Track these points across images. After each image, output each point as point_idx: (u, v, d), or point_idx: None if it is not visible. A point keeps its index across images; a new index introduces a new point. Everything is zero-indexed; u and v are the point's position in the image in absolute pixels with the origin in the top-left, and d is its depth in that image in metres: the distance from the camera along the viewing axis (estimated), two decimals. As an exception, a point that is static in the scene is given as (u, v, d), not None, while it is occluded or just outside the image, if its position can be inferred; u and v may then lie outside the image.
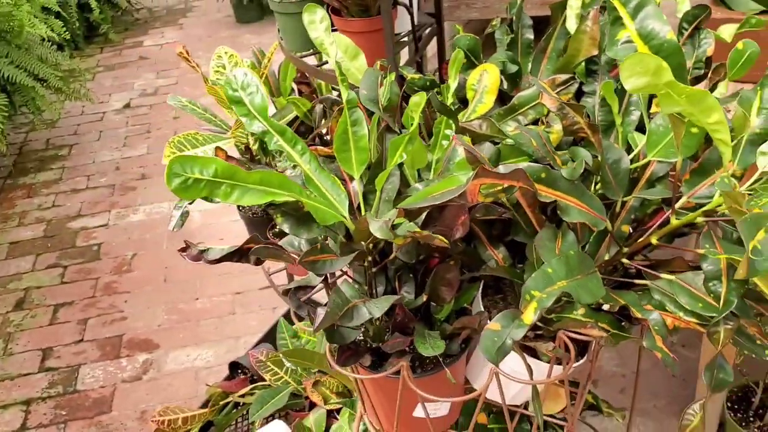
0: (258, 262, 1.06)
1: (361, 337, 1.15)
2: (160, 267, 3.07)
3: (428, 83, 1.23)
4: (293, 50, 1.60)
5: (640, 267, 1.02)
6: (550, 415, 1.37)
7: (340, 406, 1.90)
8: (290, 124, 1.69)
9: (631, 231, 1.06)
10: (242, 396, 2.10)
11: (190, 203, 1.71)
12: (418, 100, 0.91)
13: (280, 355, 1.79)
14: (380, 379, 1.11)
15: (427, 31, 1.62)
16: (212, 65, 1.83)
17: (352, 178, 1.08)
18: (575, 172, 0.88)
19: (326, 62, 1.63)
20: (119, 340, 2.70)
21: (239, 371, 2.25)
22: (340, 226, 1.06)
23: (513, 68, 1.25)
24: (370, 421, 1.25)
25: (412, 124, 0.96)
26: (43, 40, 3.84)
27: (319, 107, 1.71)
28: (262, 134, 1.08)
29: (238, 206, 1.90)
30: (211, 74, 1.82)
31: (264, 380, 2.17)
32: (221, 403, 2.14)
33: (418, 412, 1.16)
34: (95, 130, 4.25)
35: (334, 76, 1.52)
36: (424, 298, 1.10)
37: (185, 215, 1.71)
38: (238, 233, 3.24)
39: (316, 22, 1.05)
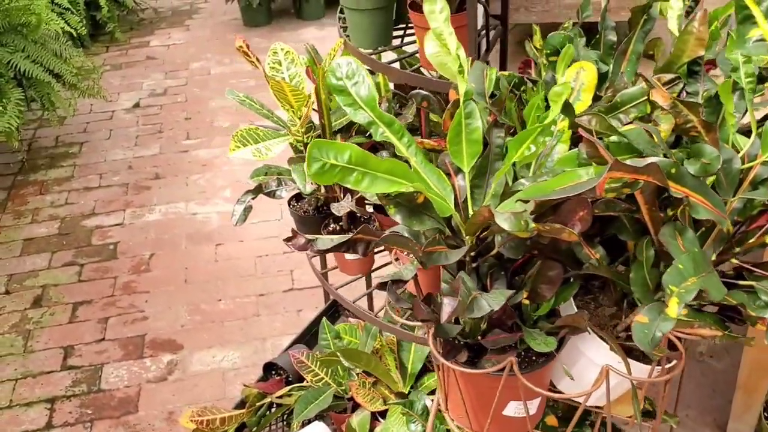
0: (365, 253, 1.04)
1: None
2: (180, 267, 3.03)
3: (516, 80, 1.23)
4: (363, 47, 1.59)
5: (749, 267, 1.02)
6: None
7: (385, 408, 1.88)
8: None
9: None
10: (280, 397, 2.07)
11: (253, 198, 1.69)
12: (561, 90, 0.90)
13: (339, 354, 1.77)
14: (477, 376, 1.10)
15: (492, 32, 1.62)
16: (268, 62, 1.82)
17: (458, 171, 1.07)
18: (710, 168, 0.88)
19: (398, 60, 1.62)
20: (141, 339, 2.66)
21: (273, 372, 2.22)
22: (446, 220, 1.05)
23: (604, 68, 1.25)
24: (453, 418, 1.23)
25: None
26: (58, 35, 3.80)
27: (385, 105, 1.70)
28: (368, 125, 1.07)
29: (289, 203, 1.87)
30: (267, 71, 1.80)
31: (301, 381, 2.15)
32: (257, 404, 2.11)
33: (509, 410, 1.15)
34: (105, 129, 4.20)
35: (406, 74, 1.51)
36: (525, 295, 1.09)
37: (248, 210, 1.69)
38: (258, 234, 3.22)
39: (436, 12, 1.04)
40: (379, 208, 1.78)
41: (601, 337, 1.12)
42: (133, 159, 3.86)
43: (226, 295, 2.87)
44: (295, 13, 5.81)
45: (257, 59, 1.71)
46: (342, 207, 1.61)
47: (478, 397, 1.15)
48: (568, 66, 1.09)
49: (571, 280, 1.16)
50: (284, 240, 1.07)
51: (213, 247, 3.15)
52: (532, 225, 0.89)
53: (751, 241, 1.01)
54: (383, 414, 1.90)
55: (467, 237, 1.04)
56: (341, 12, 1.80)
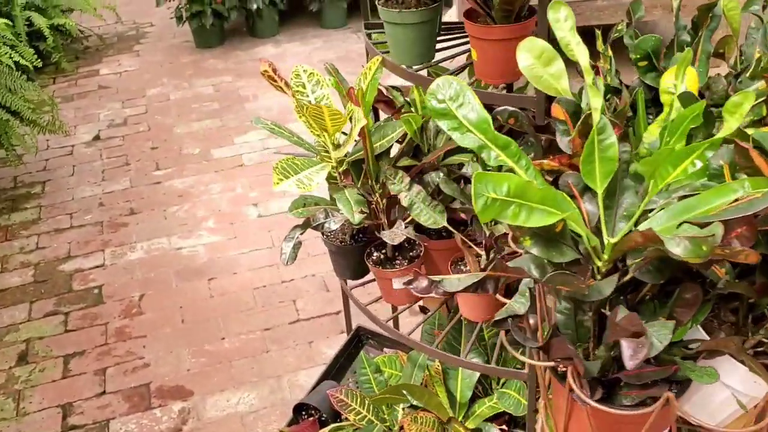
0: (495, 291, 0.94)
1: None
2: (174, 307, 2.85)
3: (611, 88, 1.15)
4: (405, 63, 1.48)
5: None
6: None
7: (439, 442, 1.77)
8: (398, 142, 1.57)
9: None
10: (320, 440, 1.94)
11: (302, 233, 1.57)
12: (740, 100, 0.82)
13: (405, 391, 1.66)
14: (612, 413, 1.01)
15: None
16: (291, 84, 1.69)
17: (584, 192, 0.97)
18: None
19: (455, 71, 1.52)
20: (146, 389, 2.48)
21: (303, 413, 2.09)
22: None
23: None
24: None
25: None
26: (11, 69, 3.56)
27: (432, 124, 1.59)
28: (479, 149, 0.97)
29: (322, 233, 1.75)
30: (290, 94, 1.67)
31: (336, 420, 2.02)
32: (295, 449, 1.97)
33: (645, 446, 1.06)
34: (67, 165, 3.97)
35: (479, 91, 1.41)
36: (661, 319, 1.00)
37: (298, 246, 1.57)
38: (251, 265, 3.07)
39: (561, 20, 0.95)
40: (419, 229, 1.66)
41: (733, 356, 1.04)
42: (103, 195, 3.65)
43: (230, 332, 2.71)
44: (249, 32, 5.65)
45: (286, 83, 1.58)
46: (395, 235, 1.50)
47: (609, 434, 1.06)
48: (643, 74, 1.01)
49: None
50: (404, 283, 0.96)
51: (206, 282, 2.99)
52: (704, 249, 0.80)
53: None
54: (436, 448, 1.79)
55: (602, 265, 0.94)
56: (368, 28, 1.69)
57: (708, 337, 1.07)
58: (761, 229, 0.93)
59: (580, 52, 0.95)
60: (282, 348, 2.63)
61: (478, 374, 1.85)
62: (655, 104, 1.23)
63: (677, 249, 0.80)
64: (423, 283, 0.96)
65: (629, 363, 0.79)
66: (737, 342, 0.95)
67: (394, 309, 2.29)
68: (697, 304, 0.99)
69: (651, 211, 0.91)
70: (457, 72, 1.59)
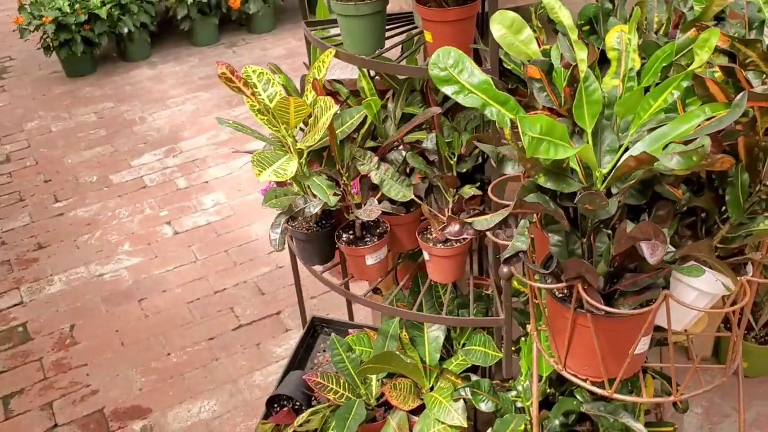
0: (516, 225, 1.08)
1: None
2: (110, 332, 2.81)
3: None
4: (361, 53, 1.60)
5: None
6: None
7: (417, 404, 1.91)
8: (359, 128, 1.68)
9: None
10: (301, 425, 2.01)
11: (285, 220, 1.65)
12: (707, 36, 1.01)
13: (393, 358, 1.76)
14: (614, 321, 1.18)
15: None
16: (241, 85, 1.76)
17: (573, 134, 1.14)
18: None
19: (406, 56, 1.66)
20: (101, 414, 2.44)
21: (275, 406, 2.15)
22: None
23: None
24: (574, 373, 1.30)
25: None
26: None
27: (390, 105, 1.72)
28: (482, 106, 1.12)
29: (288, 223, 1.83)
30: (246, 97, 1.74)
31: (311, 405, 2.11)
32: (278, 439, 2.04)
33: (639, 347, 1.24)
34: (-47, 208, 3.76)
35: (416, 69, 1.55)
36: (643, 236, 1.18)
37: (285, 232, 1.64)
38: (179, 282, 3.07)
39: None
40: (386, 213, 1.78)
41: (701, 260, 1.25)
42: (3, 234, 3.49)
43: (174, 347, 2.71)
44: (120, 56, 5.54)
45: (245, 83, 1.66)
46: (371, 211, 1.62)
47: (609, 343, 1.23)
48: (586, 37, 1.21)
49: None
50: (440, 229, 1.09)
51: (136, 303, 2.95)
52: (685, 161, 0.98)
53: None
54: (415, 412, 1.92)
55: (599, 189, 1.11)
56: (309, 26, 1.80)
57: (674, 249, 1.27)
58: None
59: (564, 14, 1.12)
60: (230, 354, 2.66)
61: (443, 338, 1.99)
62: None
63: (671, 163, 0.98)
64: (456, 227, 1.09)
65: (651, 259, 0.96)
66: (708, 244, 1.15)
67: (349, 304, 2.40)
68: (670, 218, 1.18)
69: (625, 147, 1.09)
70: (401, 59, 1.73)
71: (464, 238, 1.68)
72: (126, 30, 5.19)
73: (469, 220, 1.09)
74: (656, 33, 1.50)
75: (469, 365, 1.93)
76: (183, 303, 2.94)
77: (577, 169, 1.12)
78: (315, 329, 2.39)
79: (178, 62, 5.44)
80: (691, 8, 1.37)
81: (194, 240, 3.35)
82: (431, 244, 1.69)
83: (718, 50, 1.23)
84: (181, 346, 2.71)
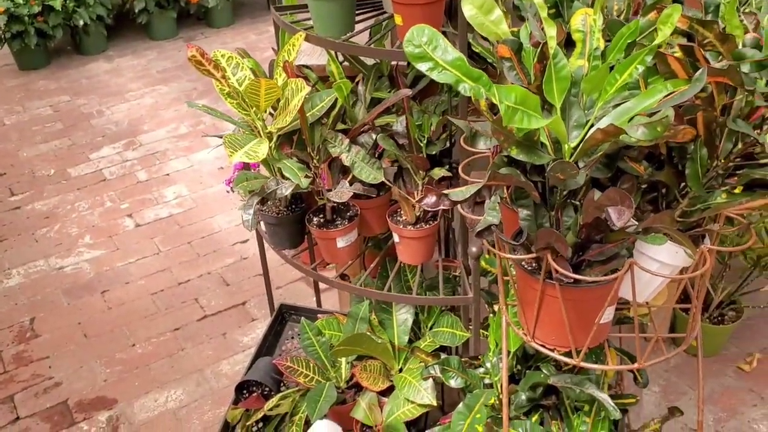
0: (490, 197, 1.12)
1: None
2: (72, 324, 2.77)
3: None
4: (332, 36, 1.62)
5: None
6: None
7: (387, 385, 1.94)
8: (329, 111, 1.70)
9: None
10: (271, 409, 2.02)
11: (258, 201, 1.66)
12: (670, 12, 1.05)
13: (364, 340, 1.78)
14: (581, 290, 1.23)
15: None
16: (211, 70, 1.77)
17: (543, 111, 1.18)
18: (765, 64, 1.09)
19: (375, 40, 1.68)
20: (65, 406, 2.41)
21: (245, 392, 2.16)
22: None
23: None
24: (543, 343, 1.35)
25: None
26: None
27: (360, 88, 1.75)
28: (456, 83, 1.15)
29: (261, 204, 1.84)
30: (216, 80, 1.75)
31: (280, 390, 2.12)
32: (248, 423, 2.05)
33: (605, 317, 1.29)
34: None
35: (387, 52, 1.58)
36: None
37: (257, 213, 1.65)
38: (142, 273, 3.04)
39: None
40: (356, 196, 1.81)
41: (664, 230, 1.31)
42: (-44, 228, 3.42)
43: (138, 338, 2.69)
44: (75, 49, 5.45)
45: (215, 66, 1.66)
46: (342, 193, 1.65)
47: (577, 312, 1.28)
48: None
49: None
50: (417, 201, 1.12)
51: (99, 296, 2.92)
52: (650, 131, 1.04)
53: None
54: (385, 393, 1.95)
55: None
56: (279, 10, 1.81)
57: (637, 222, 1.32)
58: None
59: (534, -7, 1.17)
60: (196, 344, 2.65)
61: (411, 321, 2.03)
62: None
63: (637, 134, 1.03)
64: (432, 198, 1.13)
65: (618, 223, 1.01)
66: (670, 215, 1.20)
67: (316, 287, 2.42)
68: (634, 191, 1.23)
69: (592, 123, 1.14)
70: (370, 43, 1.75)
71: (434, 220, 1.72)
72: (81, 22, 5.11)
73: (446, 191, 1.13)
74: (617, 19, 1.56)
75: (438, 346, 1.97)
76: (147, 295, 2.92)
77: (547, 143, 1.16)
78: (283, 317, 2.40)
79: (136, 56, 5.38)
80: (651, -7, 1.42)
81: (156, 232, 3.32)
82: (401, 226, 1.73)
83: (677, 31, 1.28)
84: (145, 337, 2.69)
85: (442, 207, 1.13)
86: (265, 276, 2.27)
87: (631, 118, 1.09)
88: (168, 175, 3.80)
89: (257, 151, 1.62)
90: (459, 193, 1.12)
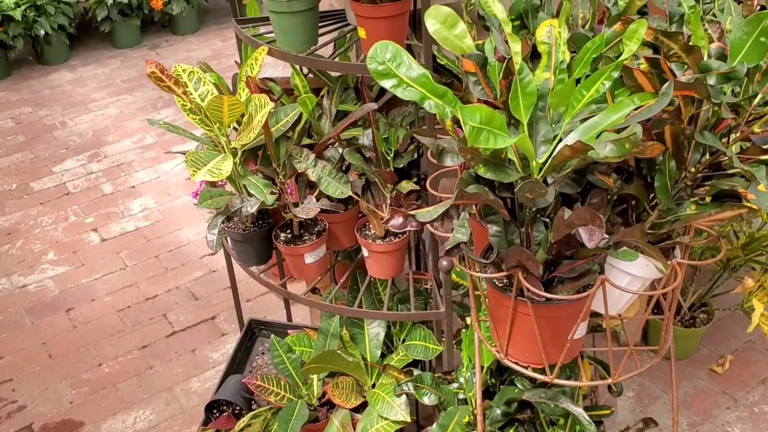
0: (458, 217, 1.09)
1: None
2: (36, 344, 2.70)
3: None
4: (295, 50, 1.59)
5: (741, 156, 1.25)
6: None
7: (360, 401, 1.91)
8: (294, 125, 1.67)
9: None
10: (242, 429, 1.98)
11: (222, 220, 1.62)
12: (636, 27, 1.04)
13: (338, 356, 1.75)
14: (554, 307, 1.21)
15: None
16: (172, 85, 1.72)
17: (510, 127, 1.16)
18: (733, 75, 1.08)
19: (339, 53, 1.65)
20: (29, 431, 2.34)
21: (215, 411, 2.11)
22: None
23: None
24: (516, 361, 1.33)
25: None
26: None
27: (326, 102, 1.72)
28: (420, 100, 1.13)
29: (228, 220, 1.80)
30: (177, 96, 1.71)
31: (251, 409, 2.08)
32: (219, 444, 2.00)
33: (578, 333, 1.27)
34: None
35: (351, 66, 1.55)
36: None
37: (222, 233, 1.61)
38: (108, 290, 2.98)
39: None
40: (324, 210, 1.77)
41: (634, 245, 1.29)
42: None
43: (105, 357, 2.62)
44: (37, 60, 5.34)
45: (176, 82, 1.62)
46: (309, 209, 1.61)
47: (550, 329, 1.26)
48: (516, 32, 1.24)
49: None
50: (383, 222, 1.09)
51: (64, 314, 2.85)
52: (617, 149, 1.02)
53: (742, 133, 1.24)
54: (358, 410, 1.92)
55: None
56: (240, 23, 1.77)
57: (608, 236, 1.31)
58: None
59: (497, 8, 1.14)
60: (165, 362, 2.59)
61: (383, 335, 2.00)
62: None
63: (605, 151, 1.02)
64: (399, 220, 1.10)
65: (590, 243, 0.99)
66: (641, 229, 1.19)
67: (286, 300, 2.38)
68: (604, 206, 1.22)
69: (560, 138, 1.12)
70: (334, 56, 1.72)
71: (403, 233, 1.69)
72: (43, 32, 5.00)
73: (412, 212, 1.10)
74: (582, 28, 1.55)
75: (411, 360, 1.94)
76: (113, 312, 2.85)
77: (515, 159, 1.14)
78: (253, 332, 2.36)
79: (100, 65, 5.29)
80: (615, 3, 1.41)
81: (123, 246, 3.26)
82: (370, 240, 1.70)
83: (642, 43, 1.27)
84: (112, 355, 2.63)
85: (409, 228, 1.10)
86: (233, 291, 2.23)
87: (599, 134, 1.08)
88: (134, 187, 3.73)
89: (221, 168, 1.58)
90: (426, 214, 1.09)
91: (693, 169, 1.25)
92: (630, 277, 1.33)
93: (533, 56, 1.44)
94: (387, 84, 1.12)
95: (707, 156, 1.25)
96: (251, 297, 2.87)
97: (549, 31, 1.27)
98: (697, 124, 1.21)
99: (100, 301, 2.92)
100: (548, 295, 1.14)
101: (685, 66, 1.23)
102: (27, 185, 3.77)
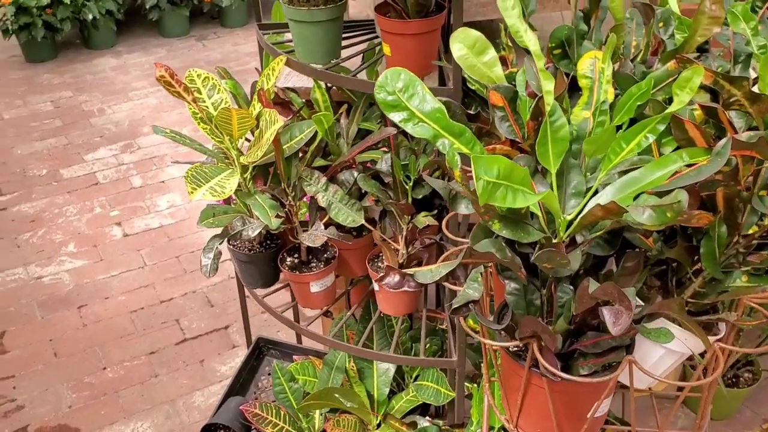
0: (466, 278, 0.95)
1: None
2: (43, 341, 2.63)
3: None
4: (314, 62, 1.46)
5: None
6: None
7: (362, 442, 1.77)
8: (309, 143, 1.54)
9: None
10: (236, 459, 1.86)
11: (220, 243, 1.50)
12: (690, 75, 0.87)
13: (336, 395, 1.61)
14: (571, 384, 1.05)
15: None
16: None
17: (535, 173, 1.01)
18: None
19: (365, 67, 1.51)
20: (25, 433, 2.26)
21: (212, 434, 2.00)
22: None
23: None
24: (521, 428, 1.17)
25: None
26: None
27: (343, 122, 1.58)
28: (433, 138, 0.98)
29: (230, 242, 1.68)
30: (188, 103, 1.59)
31: (250, 437, 1.96)
32: (210, 472, 1.89)
33: (598, 411, 1.11)
34: None
35: (369, 84, 1.41)
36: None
37: (218, 256, 1.49)
38: (124, 288, 2.89)
39: (509, 8, 0.97)
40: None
41: (671, 317, 1.13)
42: (-62, 227, 3.29)
43: (111, 360, 2.54)
44: (84, 43, 5.33)
45: (185, 88, 1.50)
46: (316, 236, 1.48)
47: (566, 405, 1.10)
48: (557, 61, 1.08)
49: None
50: (376, 280, 0.95)
51: (75, 311, 2.77)
52: (657, 217, 0.86)
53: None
54: (360, 449, 1.78)
55: (557, 241, 0.98)
56: (262, 29, 1.65)
57: (642, 303, 1.14)
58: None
59: (530, 38, 0.99)
60: (171, 371, 2.49)
61: (393, 371, 1.85)
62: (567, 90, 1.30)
63: (642, 217, 0.85)
64: (395, 278, 0.95)
65: (614, 329, 0.83)
66: (679, 302, 1.02)
67: (296, 320, 2.25)
68: (639, 271, 1.05)
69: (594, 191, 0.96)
70: (358, 71, 1.58)
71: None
72: (90, 16, 4.99)
73: (411, 271, 0.95)
74: (633, 60, 1.38)
75: (420, 402, 1.80)
76: (125, 312, 2.77)
77: (539, 214, 0.98)
78: (260, 350, 2.24)
79: (145, 53, 5.25)
80: (672, 36, 1.24)
81: (144, 243, 3.17)
82: (381, 274, 1.55)
83: (699, 86, 1.10)
84: (119, 359, 2.54)
85: (407, 288, 0.95)
86: (242, 307, 2.11)
87: (638, 195, 0.92)
88: (163, 182, 3.65)
89: (224, 186, 1.45)
90: (427, 274, 0.94)
91: (747, 235, 1.08)
92: (664, 351, 1.16)
93: (573, 89, 1.29)
94: (396, 117, 0.98)
95: (766, 221, 1.08)
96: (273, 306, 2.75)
97: (593, 64, 1.11)
98: (756, 185, 1.04)
99: (113, 299, 2.83)
100: (564, 375, 0.98)
101: (748, 115, 1.06)
102: (57, 172, 3.73)
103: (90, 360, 2.54)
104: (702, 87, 1.11)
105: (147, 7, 5.25)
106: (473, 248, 0.91)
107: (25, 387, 2.43)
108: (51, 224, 3.30)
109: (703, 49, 1.21)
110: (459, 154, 0.90)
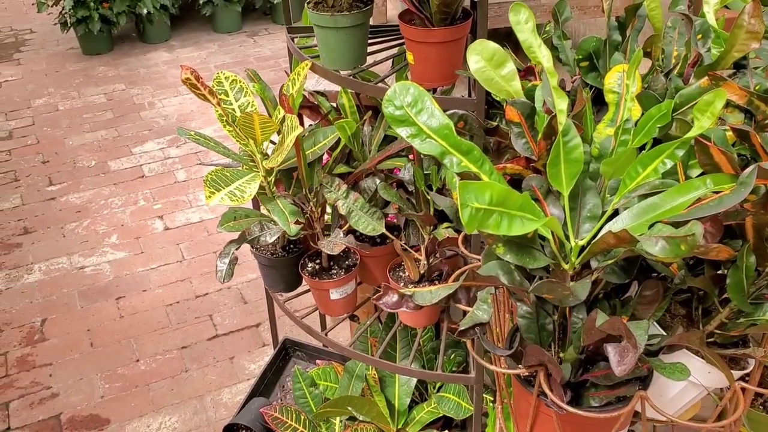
0: (469, 302, 0.91)
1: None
2: (81, 330, 2.68)
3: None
4: (338, 68, 1.43)
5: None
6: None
7: (381, 453, 1.74)
8: (332, 150, 1.52)
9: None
10: (255, 461, 1.86)
11: (237, 248, 1.49)
12: (711, 98, 0.82)
13: (348, 405, 1.60)
14: (575, 416, 1.01)
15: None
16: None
17: (548, 195, 0.96)
18: None
19: (393, 72, 1.48)
20: (57, 420, 2.31)
21: (234, 434, 2.00)
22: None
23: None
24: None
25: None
26: None
27: (366, 129, 1.56)
28: (441, 155, 0.94)
29: (252, 245, 1.67)
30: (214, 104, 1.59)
31: (270, 439, 1.95)
32: (229, 473, 1.89)
33: (610, 444, 1.06)
34: (-54, 183, 3.67)
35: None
36: (625, 319, 1.00)
37: (234, 262, 1.48)
38: (162, 281, 2.93)
39: (522, 22, 0.93)
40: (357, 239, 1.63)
41: (693, 350, 1.07)
42: (-9, 214, 3.39)
43: (144, 353, 2.57)
44: (139, 37, 5.43)
45: (210, 91, 1.49)
46: (335, 244, 1.45)
47: (577, 437, 1.06)
48: (585, 74, 1.02)
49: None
50: (373, 299, 0.92)
51: (114, 302, 2.82)
52: (682, 247, 0.80)
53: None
54: (378, 459, 1.76)
55: (568, 267, 0.94)
56: (291, 32, 1.64)
57: (663, 332, 1.09)
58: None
59: (543, 54, 0.94)
60: (202, 366, 2.51)
61: (415, 380, 1.83)
62: (595, 103, 1.24)
63: (654, 249, 0.80)
64: (393, 297, 0.92)
65: (618, 369, 0.78)
66: (700, 335, 0.96)
67: (322, 321, 2.24)
68: (658, 300, 1.00)
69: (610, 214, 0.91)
70: (387, 76, 1.55)
71: (440, 279, 1.51)
72: (145, 11, 5.07)
73: (409, 292, 0.92)
74: (672, 70, 1.31)
75: (442, 414, 1.76)
76: (161, 305, 2.80)
77: (549, 237, 0.94)
78: (287, 351, 2.23)
79: (198, 47, 5.32)
80: (709, 50, 1.18)
81: (184, 237, 3.21)
82: (402, 284, 1.52)
83: (732, 105, 1.04)
84: (152, 352, 2.57)
85: (405, 309, 0.92)
86: (269, 307, 2.10)
87: (654, 223, 0.86)
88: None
89: (245, 190, 1.44)
90: (426, 295, 0.91)
91: (779, 267, 1.01)
92: (685, 383, 1.10)
93: (598, 102, 1.23)
94: (403, 132, 0.94)
95: (800, 251, 1.01)
96: (299, 308, 2.75)
97: (620, 78, 1.06)
98: (788, 214, 0.97)
99: (151, 292, 2.87)
100: (569, 409, 0.94)
101: (784, 139, 0.99)
102: (105, 163, 3.80)
103: (124, 351, 2.57)
104: (736, 106, 1.05)
105: (201, 2, 5.31)
106: (476, 271, 0.87)
107: (60, 375, 2.48)
108: (96, 215, 3.37)
109: (740, 65, 1.14)
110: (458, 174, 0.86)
